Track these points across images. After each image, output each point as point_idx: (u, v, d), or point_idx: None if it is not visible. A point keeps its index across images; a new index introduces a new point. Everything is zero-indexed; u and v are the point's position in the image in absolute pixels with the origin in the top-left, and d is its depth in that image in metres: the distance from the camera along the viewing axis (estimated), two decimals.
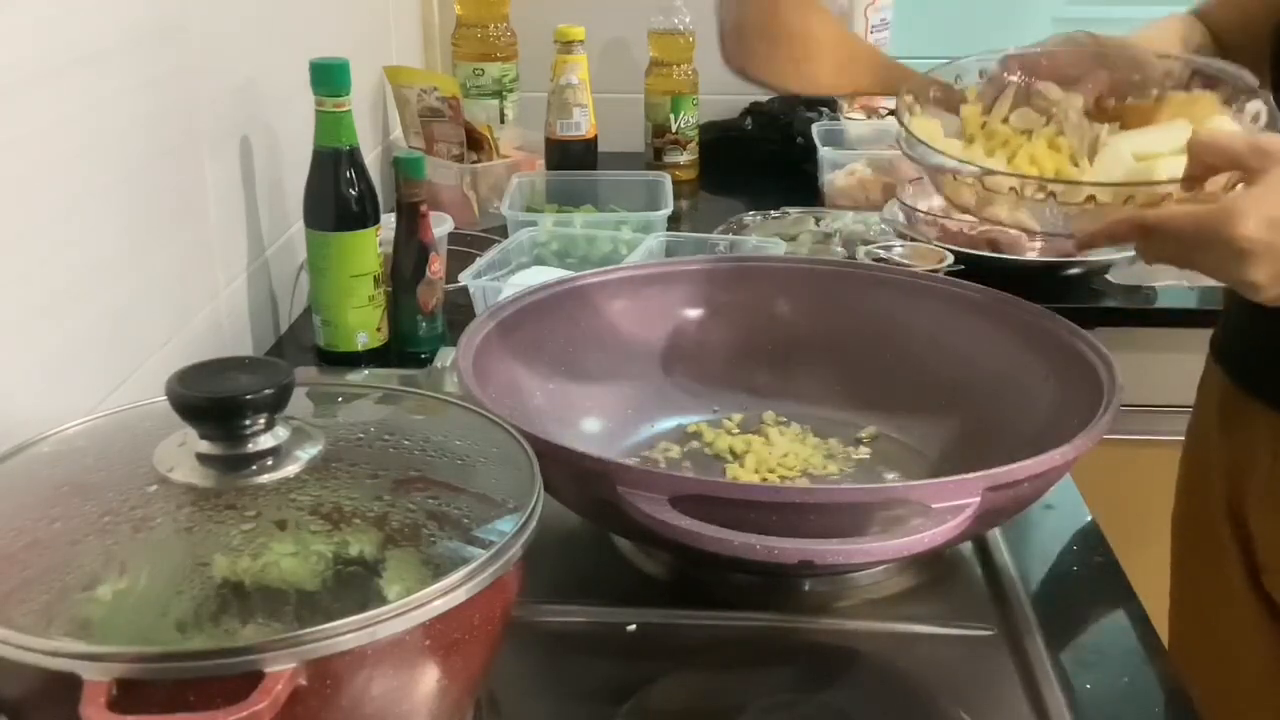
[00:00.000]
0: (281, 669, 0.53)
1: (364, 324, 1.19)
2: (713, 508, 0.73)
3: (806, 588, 0.86)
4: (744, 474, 0.96)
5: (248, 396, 0.64)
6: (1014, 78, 0.88)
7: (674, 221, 1.48)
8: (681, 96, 1.78)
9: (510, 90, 1.79)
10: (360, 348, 1.19)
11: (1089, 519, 0.94)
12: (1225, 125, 0.82)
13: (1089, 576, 0.88)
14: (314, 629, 0.54)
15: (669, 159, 1.80)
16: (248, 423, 0.64)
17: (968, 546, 0.90)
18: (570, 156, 1.71)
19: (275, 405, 0.65)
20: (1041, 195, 0.78)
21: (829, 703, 0.77)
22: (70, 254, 0.85)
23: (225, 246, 1.12)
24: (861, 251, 1.38)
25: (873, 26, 1.90)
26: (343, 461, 0.66)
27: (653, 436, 1.02)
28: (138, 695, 0.53)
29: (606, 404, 1.02)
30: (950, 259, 1.31)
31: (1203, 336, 1.10)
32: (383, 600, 0.57)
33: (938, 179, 0.86)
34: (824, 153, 1.68)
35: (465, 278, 1.22)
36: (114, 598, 0.57)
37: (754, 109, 1.89)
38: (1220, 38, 1.01)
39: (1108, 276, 1.42)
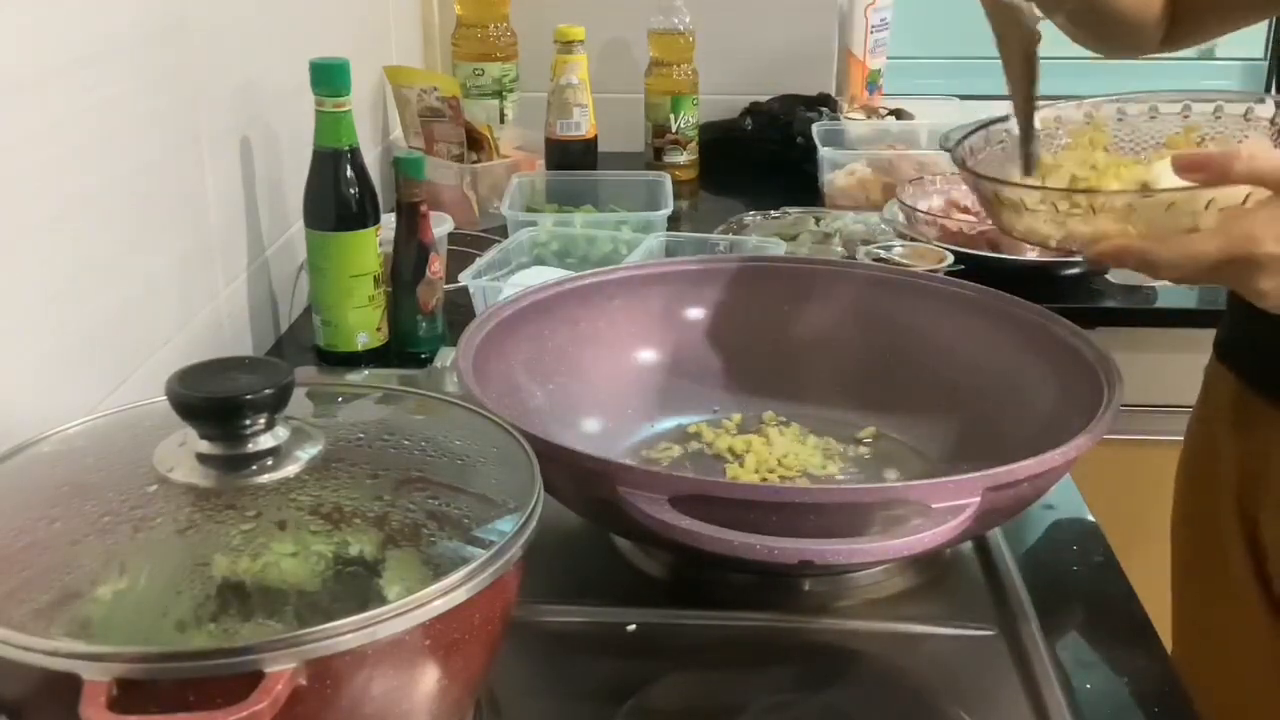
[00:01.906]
0: (281, 669, 0.53)
1: (364, 324, 1.19)
2: (713, 508, 0.73)
3: (806, 588, 0.86)
4: (744, 474, 0.96)
5: (248, 396, 0.64)
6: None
7: (674, 221, 1.48)
8: (681, 96, 1.78)
9: (510, 90, 1.79)
10: (360, 348, 1.19)
11: (1089, 519, 0.94)
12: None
13: (1089, 576, 0.88)
14: (314, 629, 0.54)
15: (669, 159, 1.80)
16: (248, 423, 0.64)
17: (968, 546, 0.90)
18: (570, 156, 1.71)
19: (275, 405, 0.65)
20: (1076, 208, 0.78)
21: (829, 703, 0.77)
22: (70, 254, 0.85)
23: (225, 246, 1.12)
24: (861, 251, 1.38)
25: (873, 26, 1.91)
26: (343, 461, 0.66)
27: (653, 436, 1.02)
28: (138, 695, 0.53)
29: (606, 404, 1.02)
30: (950, 259, 1.31)
31: (1203, 336, 1.10)
32: (383, 600, 0.57)
33: (995, 212, 0.86)
34: (824, 153, 1.68)
35: (465, 278, 1.22)
36: (114, 598, 0.57)
37: (754, 109, 1.89)
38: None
39: (1108, 276, 1.42)
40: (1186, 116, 0.90)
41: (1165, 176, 0.78)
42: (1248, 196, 0.73)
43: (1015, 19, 0.90)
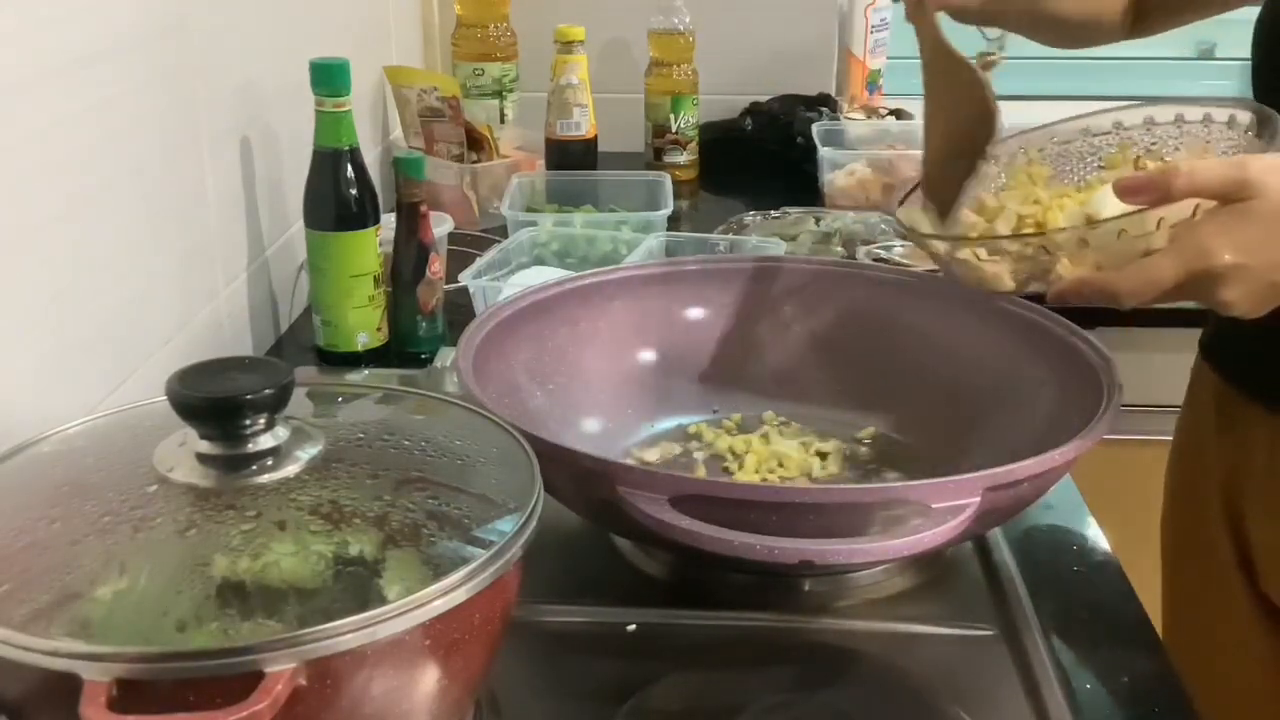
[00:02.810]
0: (281, 669, 0.53)
1: (364, 324, 1.19)
2: (713, 508, 0.73)
3: (806, 588, 0.86)
4: (744, 474, 0.96)
5: (248, 396, 0.64)
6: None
7: (674, 221, 1.48)
8: (681, 96, 1.78)
9: (510, 90, 1.79)
10: (360, 348, 1.19)
11: (1089, 519, 0.94)
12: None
13: (1089, 576, 0.88)
14: (314, 629, 0.55)
15: (669, 159, 1.79)
16: (248, 423, 0.64)
17: (968, 546, 0.90)
18: (570, 156, 1.71)
19: (275, 405, 0.65)
20: (1029, 249, 0.78)
21: (829, 703, 0.77)
22: (70, 254, 0.85)
23: (225, 246, 1.12)
24: (861, 251, 1.38)
25: (873, 26, 1.90)
26: (343, 461, 0.66)
27: (653, 436, 1.02)
28: (138, 695, 0.53)
29: (606, 404, 1.02)
30: None
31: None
32: (383, 600, 0.57)
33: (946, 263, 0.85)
34: (824, 153, 1.68)
35: (465, 278, 1.22)
36: (114, 598, 0.57)
37: (754, 109, 1.89)
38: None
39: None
40: (1120, 133, 0.90)
41: (1108, 203, 0.77)
42: (1196, 209, 0.73)
43: (968, 82, 0.88)
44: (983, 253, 0.79)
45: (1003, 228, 0.83)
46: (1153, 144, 0.87)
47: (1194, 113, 0.85)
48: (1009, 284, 0.79)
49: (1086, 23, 1.05)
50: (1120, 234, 0.74)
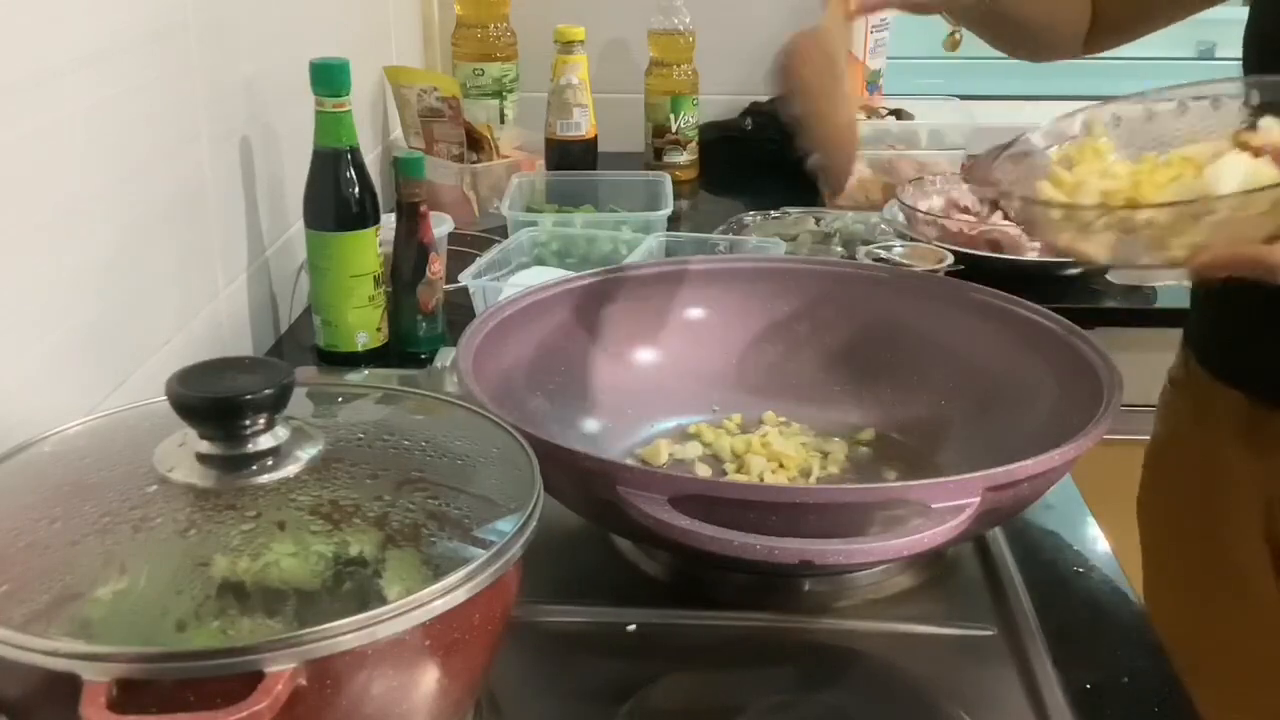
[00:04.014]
0: (281, 669, 0.53)
1: (364, 324, 1.19)
2: (712, 508, 0.73)
3: (806, 588, 0.86)
4: (744, 474, 0.96)
5: (248, 396, 0.64)
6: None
7: (674, 221, 1.48)
8: (681, 96, 1.78)
9: (510, 90, 1.79)
10: (360, 348, 1.19)
11: (1089, 519, 0.94)
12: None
13: (1089, 576, 0.88)
14: (314, 629, 0.54)
15: (669, 159, 1.80)
16: (248, 423, 0.64)
17: (968, 546, 0.90)
18: (570, 156, 1.71)
19: (275, 405, 0.65)
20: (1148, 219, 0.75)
21: (829, 703, 0.77)
22: (71, 254, 0.85)
23: (225, 246, 1.12)
24: (861, 251, 1.38)
25: (873, 26, 1.90)
26: (343, 462, 0.66)
27: (652, 436, 1.02)
28: (138, 695, 0.53)
29: (606, 404, 1.02)
30: (950, 259, 1.31)
31: None
32: (383, 600, 0.57)
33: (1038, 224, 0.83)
34: None
35: (465, 278, 1.22)
36: (114, 598, 0.57)
37: (754, 109, 1.89)
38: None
39: (1108, 276, 1.42)
40: (1184, 113, 0.88)
41: (1225, 174, 0.75)
42: None
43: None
44: (1140, 220, 0.75)
45: (1086, 200, 0.80)
46: (1210, 131, 0.85)
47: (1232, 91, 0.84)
48: (1103, 259, 0.78)
49: (1043, 30, 1.05)
50: (1276, 204, 0.71)
